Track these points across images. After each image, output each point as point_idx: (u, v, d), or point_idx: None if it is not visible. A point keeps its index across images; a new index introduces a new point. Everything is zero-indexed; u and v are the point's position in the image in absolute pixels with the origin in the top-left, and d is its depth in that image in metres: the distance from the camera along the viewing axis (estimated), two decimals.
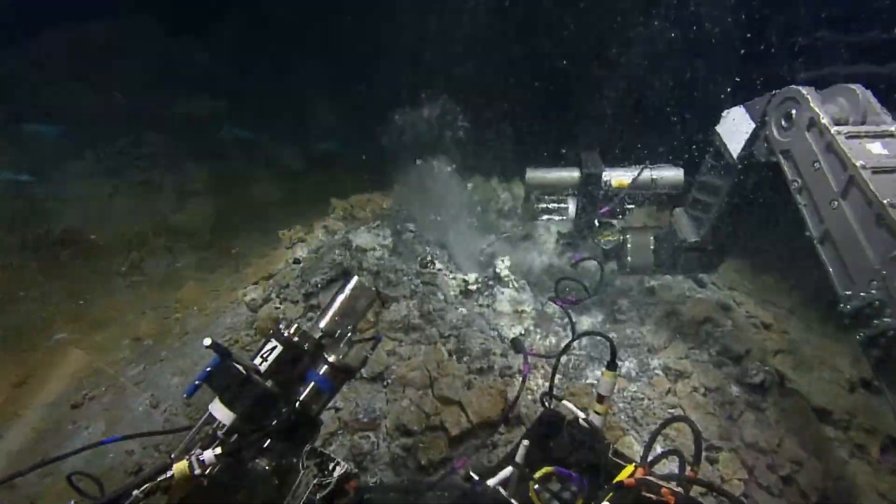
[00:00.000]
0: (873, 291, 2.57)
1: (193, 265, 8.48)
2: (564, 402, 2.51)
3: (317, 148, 18.54)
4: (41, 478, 4.25)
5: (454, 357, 4.75)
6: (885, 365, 2.55)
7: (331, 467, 1.71)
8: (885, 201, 2.53)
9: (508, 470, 2.19)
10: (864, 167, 2.69)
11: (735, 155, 3.89)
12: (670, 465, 3.29)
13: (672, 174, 4.87)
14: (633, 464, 1.97)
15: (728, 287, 6.47)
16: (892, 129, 2.90)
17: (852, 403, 4.89)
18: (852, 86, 3.17)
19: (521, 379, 3.51)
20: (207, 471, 1.39)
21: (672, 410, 4.50)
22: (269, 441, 1.57)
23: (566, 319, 5.31)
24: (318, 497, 1.61)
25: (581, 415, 2.34)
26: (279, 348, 1.66)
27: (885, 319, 2.51)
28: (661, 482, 1.69)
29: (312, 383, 1.70)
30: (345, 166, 13.26)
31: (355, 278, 1.89)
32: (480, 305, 5.41)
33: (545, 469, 2.11)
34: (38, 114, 16.36)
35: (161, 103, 19.26)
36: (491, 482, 2.10)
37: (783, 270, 7.07)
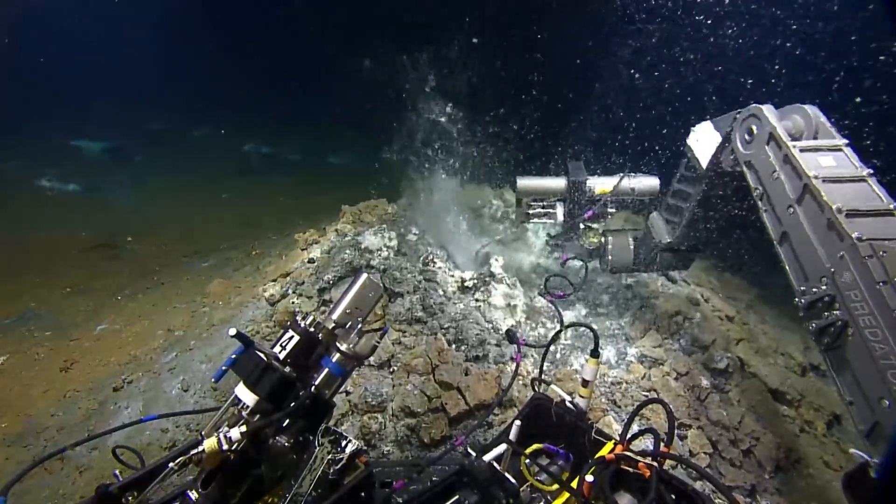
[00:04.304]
0: (824, 287, 2.58)
1: (219, 264, 8.46)
2: (552, 386, 2.51)
3: (329, 161, 18.60)
4: (89, 450, 4.25)
5: (453, 346, 4.73)
6: (834, 352, 2.56)
7: (343, 444, 1.70)
8: (834, 207, 2.54)
9: (502, 447, 2.19)
10: (816, 177, 2.70)
11: (704, 165, 3.89)
12: (646, 442, 3.29)
13: (649, 182, 4.87)
14: (613, 441, 1.97)
15: (696, 284, 6.48)
16: (841, 143, 2.91)
17: (803, 385, 4.93)
18: (805, 105, 3.17)
19: (514, 366, 3.50)
20: (234, 446, 1.39)
21: (647, 393, 4.50)
22: (288, 420, 1.56)
23: (553, 312, 5.31)
24: (331, 470, 1.60)
25: (567, 398, 2.34)
26: (296, 338, 1.64)
27: (835, 312, 2.51)
28: (637, 457, 1.69)
29: (326, 369, 1.69)
30: (354, 176, 13.27)
31: (365, 275, 1.87)
32: (476, 300, 5.40)
33: (535, 446, 2.11)
34: (85, 132, 16.45)
35: (190, 125, 19.42)
36: (487, 457, 2.10)
37: (744, 269, 7.10)
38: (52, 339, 6.22)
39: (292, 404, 1.54)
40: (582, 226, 5.11)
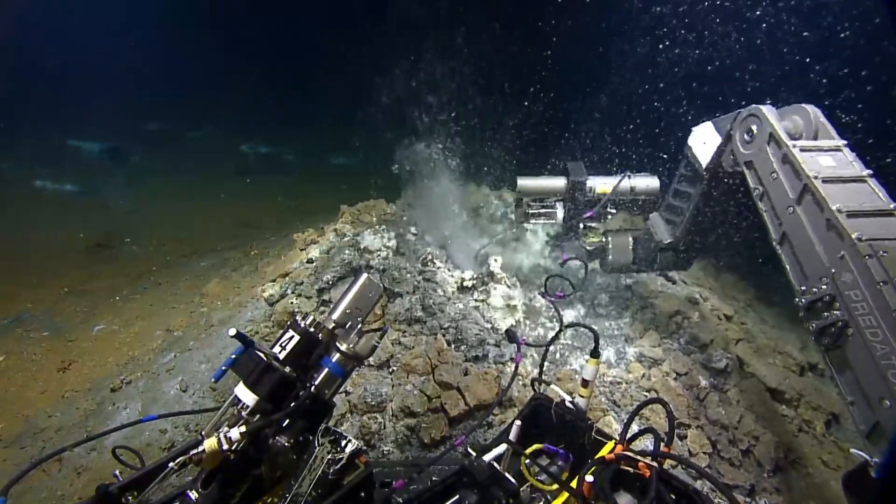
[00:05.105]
0: (824, 287, 2.58)
1: (217, 264, 8.45)
2: (552, 386, 2.51)
3: (328, 161, 18.59)
4: (87, 451, 4.23)
5: (453, 346, 4.73)
6: (834, 352, 2.57)
7: (343, 444, 1.69)
8: (834, 208, 2.55)
9: (502, 447, 2.19)
10: (816, 177, 2.71)
11: (704, 165, 3.90)
12: (646, 442, 3.29)
13: (649, 182, 4.87)
14: (613, 441, 1.97)
15: (695, 283, 6.49)
16: (840, 144, 2.92)
17: (801, 385, 4.94)
18: (805, 105, 3.18)
19: (513, 366, 3.51)
20: (234, 446, 1.38)
21: (647, 393, 4.50)
22: (287, 421, 1.56)
23: (553, 312, 5.31)
24: (331, 470, 1.60)
25: (567, 398, 2.34)
26: (296, 338, 1.64)
27: (835, 312, 2.52)
28: (637, 457, 1.69)
29: (326, 369, 1.68)
30: (353, 176, 13.27)
31: (365, 275, 1.87)
32: (476, 300, 5.39)
33: (535, 446, 2.11)
34: (83, 132, 16.42)
35: (189, 125, 19.41)
36: (487, 458, 2.10)
37: (742, 269, 7.11)
38: (49, 339, 6.20)
39: (292, 404, 1.54)
40: (582, 226, 5.12)
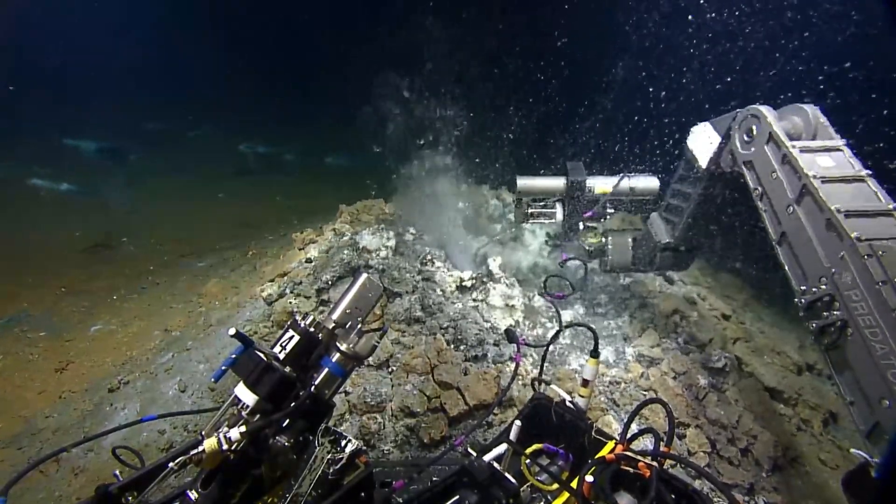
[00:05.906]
0: (824, 287, 2.58)
1: (216, 264, 8.43)
2: (552, 386, 2.51)
3: (326, 161, 18.58)
4: (85, 452, 4.22)
5: (452, 346, 4.73)
6: (834, 351, 2.56)
7: (343, 444, 1.69)
8: (833, 207, 2.54)
9: (503, 447, 2.18)
10: (815, 177, 2.70)
11: (703, 165, 3.89)
12: (646, 442, 3.29)
13: (648, 182, 4.87)
14: (613, 441, 1.97)
15: (693, 283, 6.49)
16: (839, 144, 2.91)
17: (799, 384, 4.95)
18: (805, 105, 3.18)
19: (513, 365, 3.50)
20: (234, 446, 1.38)
21: (646, 393, 4.50)
22: (287, 420, 1.56)
23: (552, 312, 5.31)
24: (331, 470, 1.60)
25: (567, 397, 2.33)
26: (296, 338, 1.63)
27: (835, 312, 2.51)
28: (637, 457, 1.69)
29: (326, 369, 1.67)
30: (352, 176, 13.26)
31: (365, 275, 1.86)
32: (475, 300, 5.39)
33: (535, 446, 2.11)
34: (82, 131, 16.39)
35: (188, 125, 19.40)
36: (487, 458, 2.09)
37: (740, 269, 7.13)
38: (46, 339, 6.19)
39: (292, 404, 1.54)
40: (581, 226, 5.12)
